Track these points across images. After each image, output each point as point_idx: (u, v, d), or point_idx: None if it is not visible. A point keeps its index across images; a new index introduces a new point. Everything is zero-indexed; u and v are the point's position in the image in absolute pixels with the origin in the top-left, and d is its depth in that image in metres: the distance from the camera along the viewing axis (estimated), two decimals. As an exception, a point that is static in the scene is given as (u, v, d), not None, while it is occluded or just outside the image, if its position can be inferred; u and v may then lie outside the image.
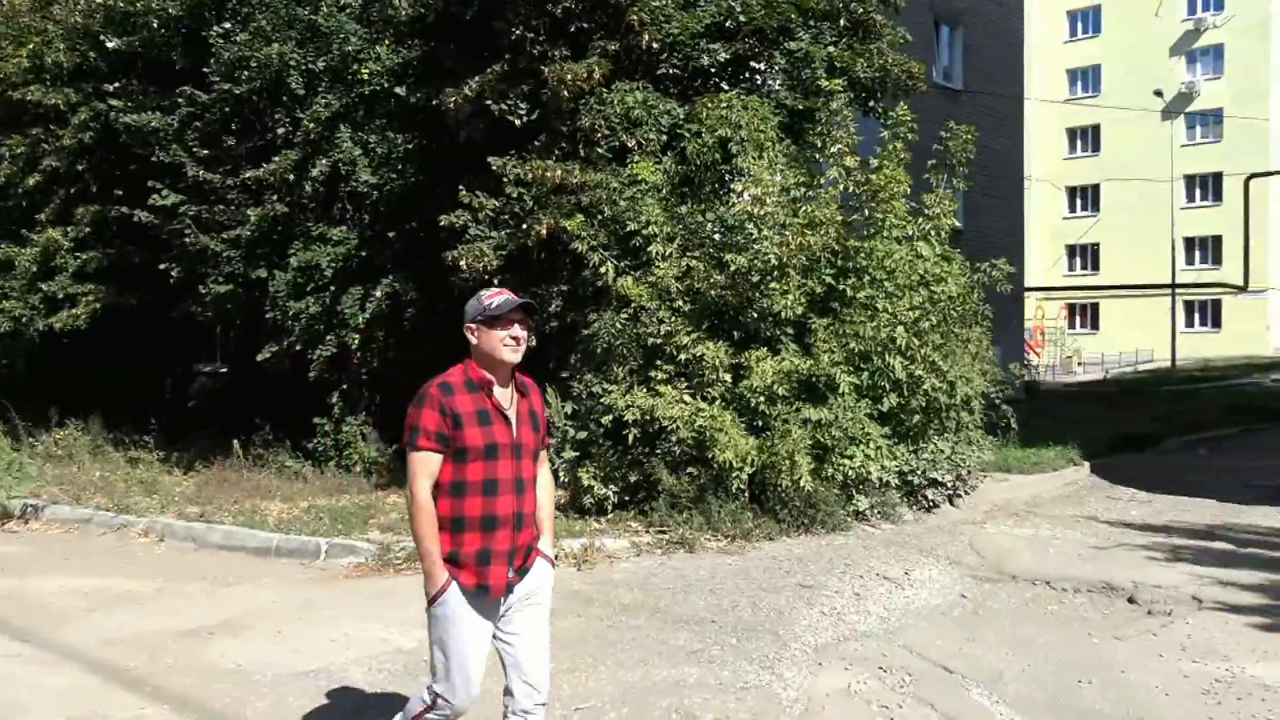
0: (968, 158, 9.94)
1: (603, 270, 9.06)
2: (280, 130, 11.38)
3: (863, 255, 8.92)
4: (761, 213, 8.60)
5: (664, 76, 9.83)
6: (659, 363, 8.92)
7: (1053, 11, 52.60)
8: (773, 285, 8.62)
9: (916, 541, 8.67)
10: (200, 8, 11.56)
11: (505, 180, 9.63)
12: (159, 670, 5.49)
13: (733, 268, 8.70)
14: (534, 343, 9.91)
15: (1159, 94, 41.62)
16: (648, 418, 8.68)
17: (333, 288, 11.53)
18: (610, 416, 8.88)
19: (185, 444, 13.15)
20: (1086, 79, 52.19)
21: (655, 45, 9.39)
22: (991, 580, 7.53)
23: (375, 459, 12.21)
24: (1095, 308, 53.20)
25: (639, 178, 9.00)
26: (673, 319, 8.87)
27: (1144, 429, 16.88)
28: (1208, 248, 49.74)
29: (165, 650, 5.85)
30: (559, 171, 9.04)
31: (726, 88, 10.16)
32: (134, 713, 4.89)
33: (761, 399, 8.61)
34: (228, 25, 11.38)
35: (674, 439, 8.65)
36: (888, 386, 8.89)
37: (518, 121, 9.75)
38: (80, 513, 10.01)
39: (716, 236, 9.04)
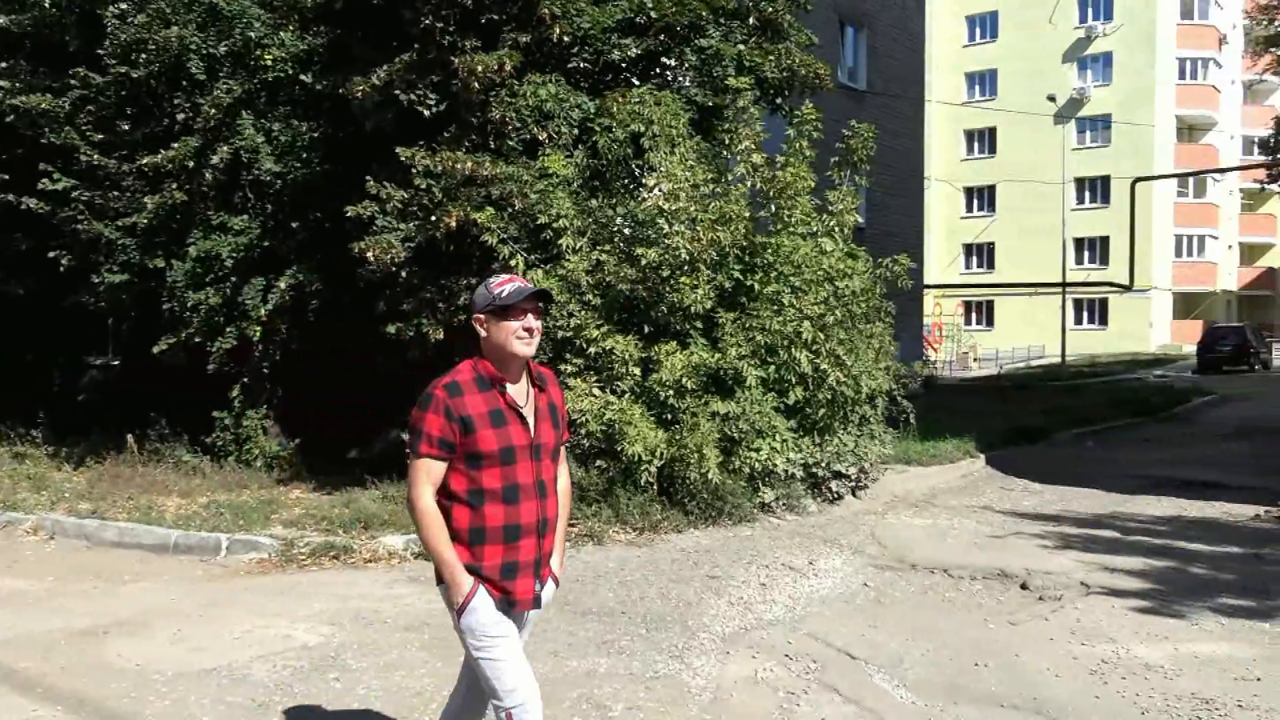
0: (870, 156, 10.16)
1: (513, 263, 9.04)
2: (180, 116, 11.06)
3: (770, 251, 9.07)
4: (673, 208, 8.68)
5: (575, 70, 9.83)
6: (568, 356, 8.94)
7: (953, 16, 53.97)
8: (683, 280, 8.71)
9: (821, 532, 8.86)
10: (95, -13, 11.17)
11: (414, 171, 9.51)
12: (52, 671, 5.32)
13: (643, 262, 8.77)
14: (441, 335, 9.89)
15: (1051, 99, 43.08)
16: (557, 411, 8.68)
17: (234, 278, 11.24)
18: (519, 410, 8.85)
19: (76, 439, 12.66)
20: (984, 83, 53.68)
21: (566, 39, 9.37)
22: (893, 569, 7.73)
23: (278, 453, 11.97)
24: (990, 305, 54.82)
25: (550, 171, 8.99)
26: (582, 312, 8.90)
27: (1036, 422, 17.46)
28: (1096, 248, 51.66)
29: (58, 651, 5.66)
30: (469, 163, 8.97)
31: (637, 83, 10.19)
32: (26, 715, 4.73)
33: (670, 392, 8.69)
34: (124, 6, 10.99)
35: (583, 432, 8.67)
36: (794, 380, 9.06)
37: (427, 112, 9.64)
38: (-38, 510, 9.61)
39: (627, 231, 9.09)
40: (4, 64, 11.87)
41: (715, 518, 8.86)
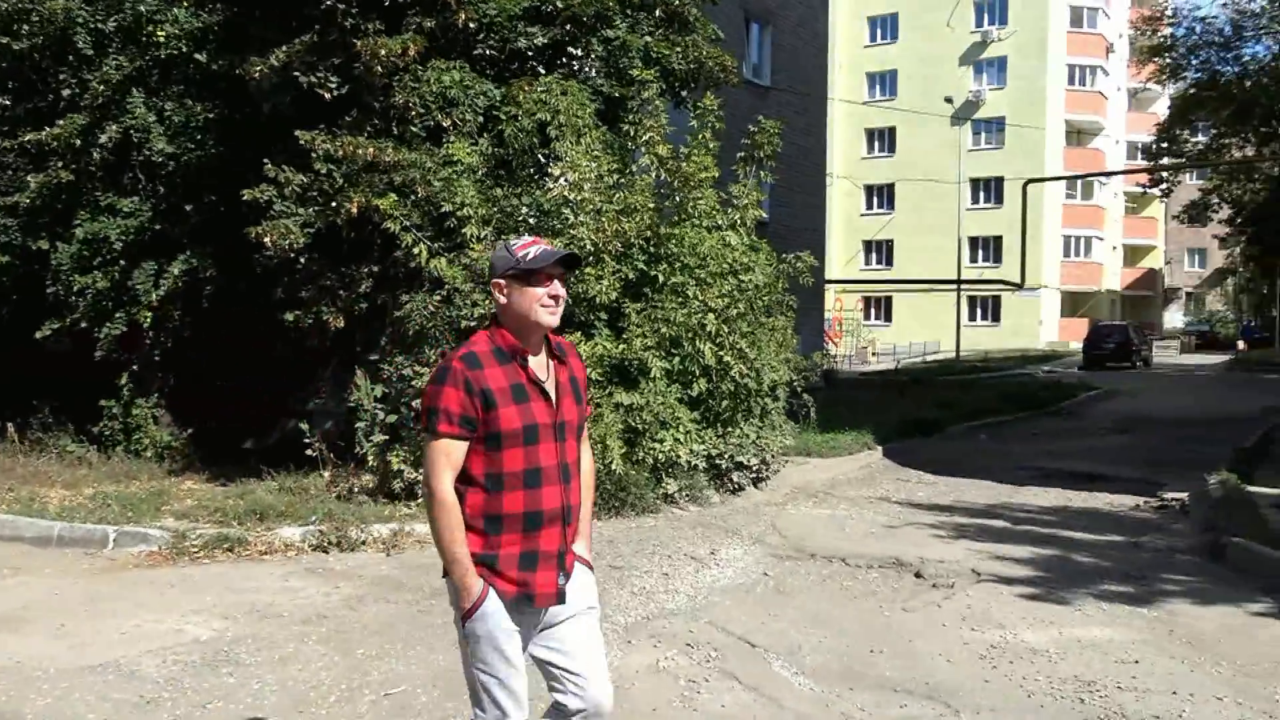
0: (775, 151, 10.28)
1: (415, 251, 8.90)
2: (66, 92, 10.65)
3: (674, 242, 9.12)
4: (578, 198, 8.66)
5: (481, 57, 9.72)
6: (472, 346, 8.84)
7: (854, 16, 54.96)
8: (588, 270, 8.70)
9: (722, 523, 8.96)
10: (-27, -46, 10.66)
11: (314, 156, 9.29)
12: (-76, 670, 5.08)
13: (548, 252, 8.71)
14: (342, 323, 9.71)
15: (949, 101, 44.19)
16: (461, 401, 8.60)
17: (123, 262, 10.86)
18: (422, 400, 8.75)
19: (-50, 428, 12.12)
20: (884, 83, 54.84)
21: (472, 25, 9.26)
22: (792, 558, 7.86)
23: (169, 443, 11.63)
24: (889, 301, 56.10)
25: (454, 158, 8.88)
26: (486, 302, 8.81)
27: (931, 415, 17.90)
28: (989, 247, 53.24)
29: (-69, 648, 5.41)
30: (371, 149, 8.81)
31: (544, 72, 10.14)
32: (-105, 716, 4.51)
33: (575, 383, 8.66)
34: (3, -28, 10.54)
35: (487, 423, 8.59)
36: (697, 372, 9.13)
37: (328, 95, 9.43)
38: None
39: (532, 220, 9.03)
40: None
41: (619, 509, 8.89)
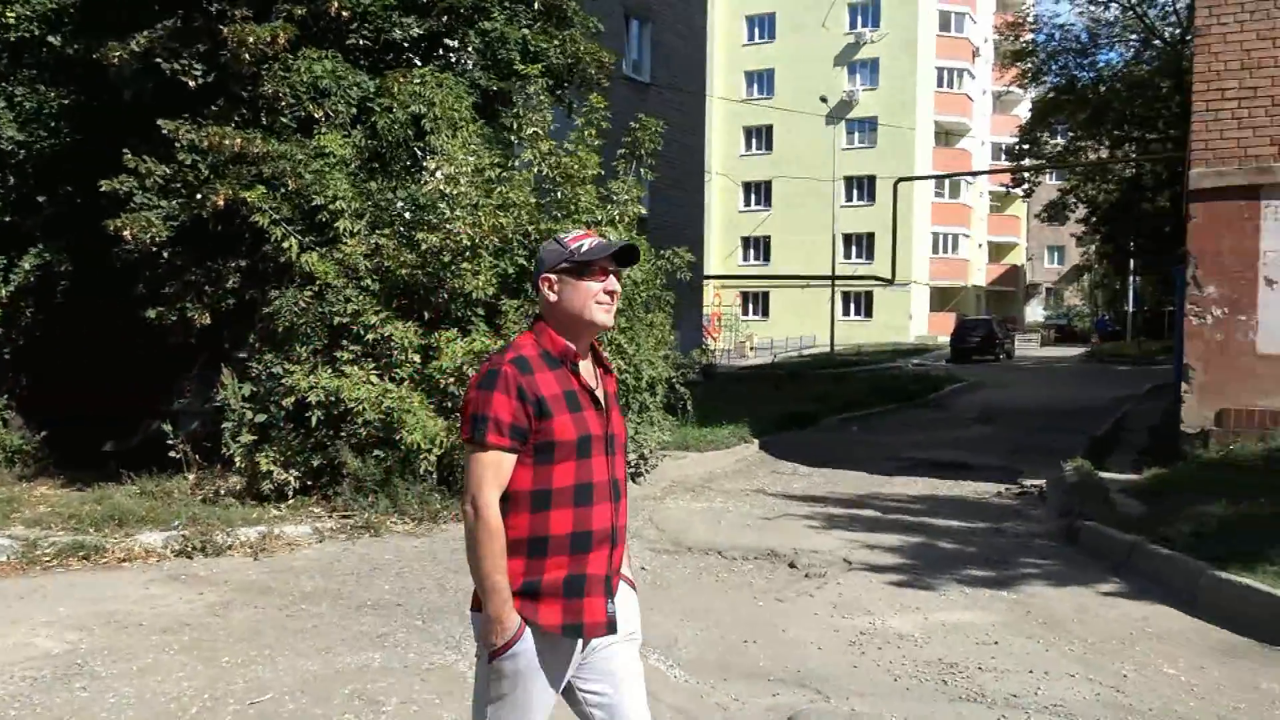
0: (656, 149, 10.34)
1: (285, 246, 8.66)
2: (-95, 75, 10.02)
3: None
4: (454, 192, 8.54)
5: (355, 47, 9.51)
6: (345, 342, 8.67)
7: (733, 15, 55.68)
8: (464, 265, 8.59)
9: (601, 518, 8.96)
10: None
11: (178, 146, 8.98)
12: None
13: (424, 247, 8.59)
14: (208, 320, 9.39)
15: (824, 100, 45.12)
16: (333, 399, 8.42)
17: (-33, 256, 10.33)
18: (292, 398, 8.53)
19: None
20: (762, 81, 55.70)
21: (345, 14, 9.06)
22: (669, 552, 7.93)
23: (20, 447, 11.14)
24: (766, 296, 57.06)
25: (326, 150, 8.67)
26: (360, 298, 8.65)
27: (806, 409, 18.27)
28: (862, 243, 54.63)
29: None
30: (239, 140, 8.54)
31: (420, 64, 9.99)
32: None
33: (451, 380, 8.57)
34: None
35: (360, 421, 8.43)
36: (575, 368, 9.10)
37: (192, 83, 9.11)
38: None
39: (408, 215, 8.88)
40: None
41: (495, 506, 8.81)
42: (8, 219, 10.45)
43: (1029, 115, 36.15)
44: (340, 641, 5.49)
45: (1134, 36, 31.10)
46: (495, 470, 2.51)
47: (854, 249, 54.67)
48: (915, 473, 12.11)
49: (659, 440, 10.52)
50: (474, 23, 9.93)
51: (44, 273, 10.44)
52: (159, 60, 9.00)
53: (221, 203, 8.63)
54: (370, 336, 8.61)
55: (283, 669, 5.08)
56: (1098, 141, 33.89)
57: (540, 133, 9.38)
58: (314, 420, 8.48)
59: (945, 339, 45.92)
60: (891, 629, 5.86)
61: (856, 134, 53.94)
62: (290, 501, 8.76)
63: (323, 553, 7.66)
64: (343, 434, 8.59)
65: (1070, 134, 34.53)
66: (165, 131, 8.93)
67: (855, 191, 54.24)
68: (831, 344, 42.81)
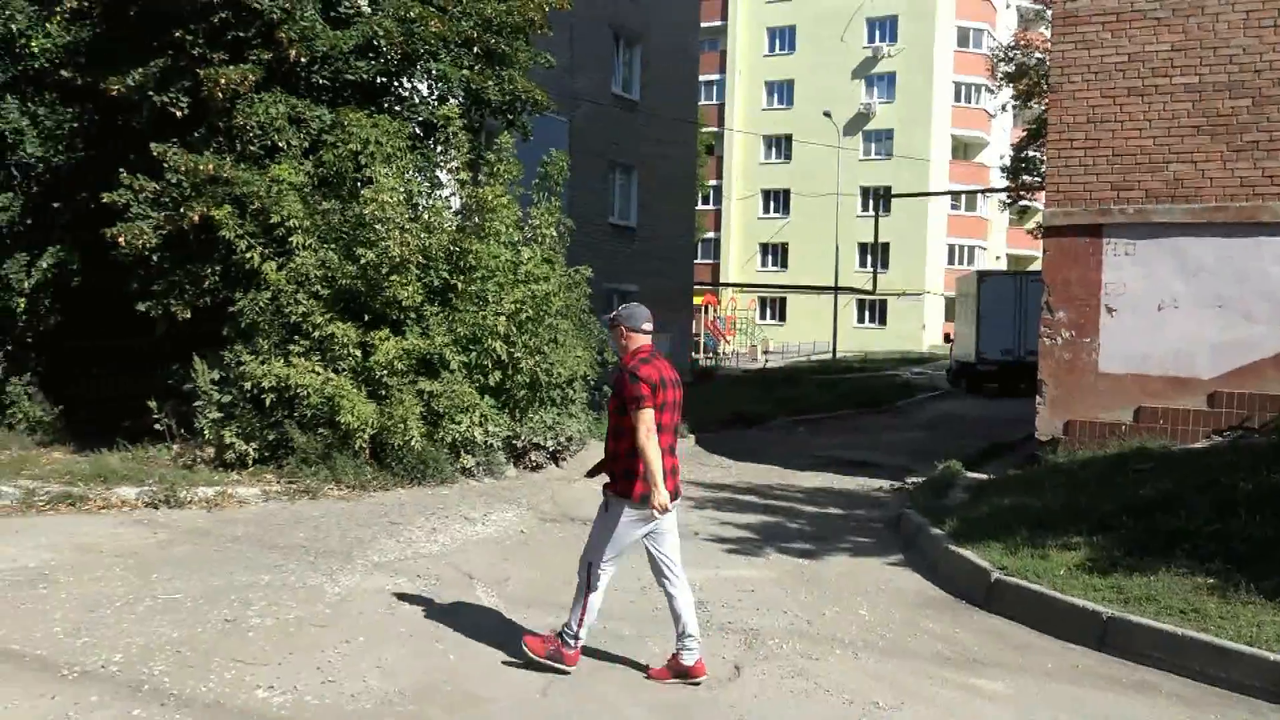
0: (564, 180, 11.92)
1: (249, 256, 10.37)
2: (-58, 97, 11.79)
3: (473, 256, 10.71)
4: (386, 215, 10.19)
5: (315, 85, 11.18)
6: (297, 339, 10.35)
7: (756, 26, 57.06)
8: (394, 278, 10.25)
9: (509, 493, 10.57)
10: None
11: (166, 166, 10.67)
12: None
13: (363, 261, 10.26)
14: (188, 315, 11.08)
15: (827, 115, 46.36)
16: (284, 385, 10.09)
17: (-4, 252, 12.07)
18: (252, 383, 10.21)
19: None
20: (782, 91, 57.02)
21: (304, 59, 10.73)
22: (553, 520, 9.49)
23: (41, 418, 12.82)
24: (784, 301, 58.34)
25: (280, 177, 10.36)
26: (309, 302, 10.32)
27: (760, 409, 19.73)
28: (878, 253, 55.76)
29: None
30: (211, 165, 10.24)
31: (378, 97, 11.64)
32: None
33: (384, 372, 10.22)
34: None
35: (306, 404, 10.10)
36: (491, 365, 10.74)
37: (179, 113, 10.80)
38: None
39: (347, 231, 10.54)
40: None
41: (420, 479, 10.45)
42: (30, 222, 12.20)
43: (1023, 134, 37.16)
44: (244, 568, 7.14)
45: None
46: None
47: (869, 258, 55.77)
48: (825, 468, 13.49)
49: (578, 430, 12.08)
50: (422, 63, 11.53)
51: (60, 269, 12.15)
52: (151, 93, 10.70)
53: (197, 218, 10.33)
54: (317, 334, 10.28)
55: (194, 583, 6.73)
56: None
57: (459, 165, 11.02)
58: (268, 402, 10.16)
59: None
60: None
61: (873, 146, 55.08)
62: (250, 469, 10.42)
63: (264, 509, 9.33)
64: (292, 415, 10.25)
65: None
66: (155, 154, 10.62)
67: (871, 202, 55.33)
68: (834, 350, 44.11)
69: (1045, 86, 33.58)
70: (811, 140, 53.52)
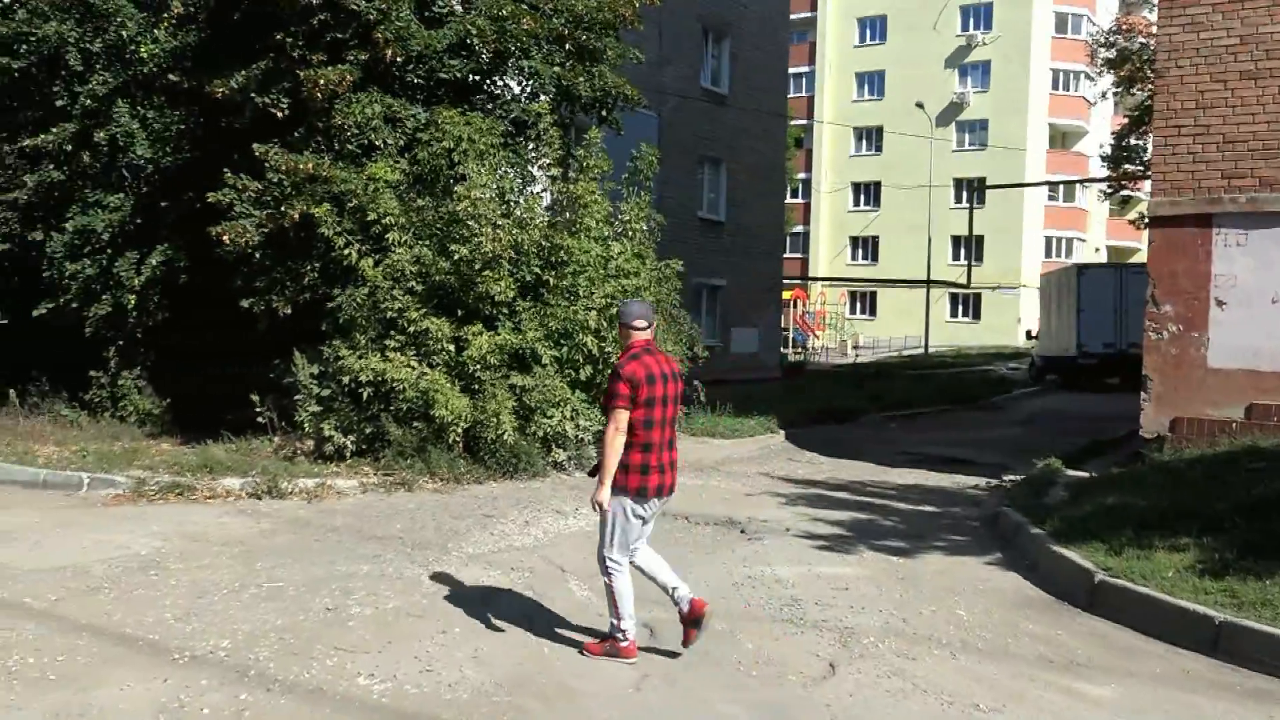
0: (654, 173, 11.91)
1: (347, 253, 10.59)
2: (59, 103, 12.27)
3: (564, 251, 10.78)
4: (478, 212, 10.31)
5: (410, 84, 11.38)
6: (393, 334, 10.54)
7: (845, 17, 56.36)
8: (487, 273, 10.37)
9: (599, 487, 10.60)
10: (-21, -15, 12.35)
11: (267, 166, 10.96)
12: (-72, 567, 6.79)
13: (456, 256, 10.40)
14: (289, 310, 11.36)
15: (920, 105, 45.54)
16: (380, 379, 10.29)
17: (109, 251, 12.52)
18: (349, 377, 10.43)
19: (-40, 393, 13.81)
20: (872, 82, 56.24)
21: (400, 59, 10.92)
22: (644, 515, 9.49)
23: (150, 410, 13.27)
24: (874, 295, 57.59)
25: (376, 175, 10.56)
26: (404, 297, 10.51)
27: (851, 404, 19.51)
28: (972, 246, 54.66)
29: (-66, 554, 7.12)
30: (310, 164, 10.49)
31: (471, 94, 11.80)
32: (-93, 593, 6.22)
33: (477, 366, 10.36)
34: (6, 1, 12.16)
35: (401, 398, 10.29)
36: (582, 359, 10.80)
37: (279, 114, 11.08)
38: None
39: (440, 228, 10.69)
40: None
41: (512, 473, 10.57)
42: (139, 222, 12.64)
43: (1125, 122, 36.00)
44: (343, 558, 7.30)
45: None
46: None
47: (962, 251, 54.70)
48: (917, 465, 13.29)
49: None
50: (514, 61, 11.65)
51: (167, 267, 12.57)
52: (253, 94, 11.00)
53: (297, 216, 10.60)
54: (412, 329, 10.46)
55: (296, 571, 6.91)
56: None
57: (551, 161, 11.10)
58: (365, 396, 10.37)
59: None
60: (774, 575, 7.33)
61: (967, 136, 53.98)
62: (348, 462, 10.66)
63: (361, 501, 9.54)
64: (389, 408, 10.45)
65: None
66: (258, 154, 10.92)
67: (964, 194, 54.25)
68: (926, 345, 43.41)
69: (1149, 72, 32.48)
70: (903, 131, 52.69)
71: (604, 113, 12.83)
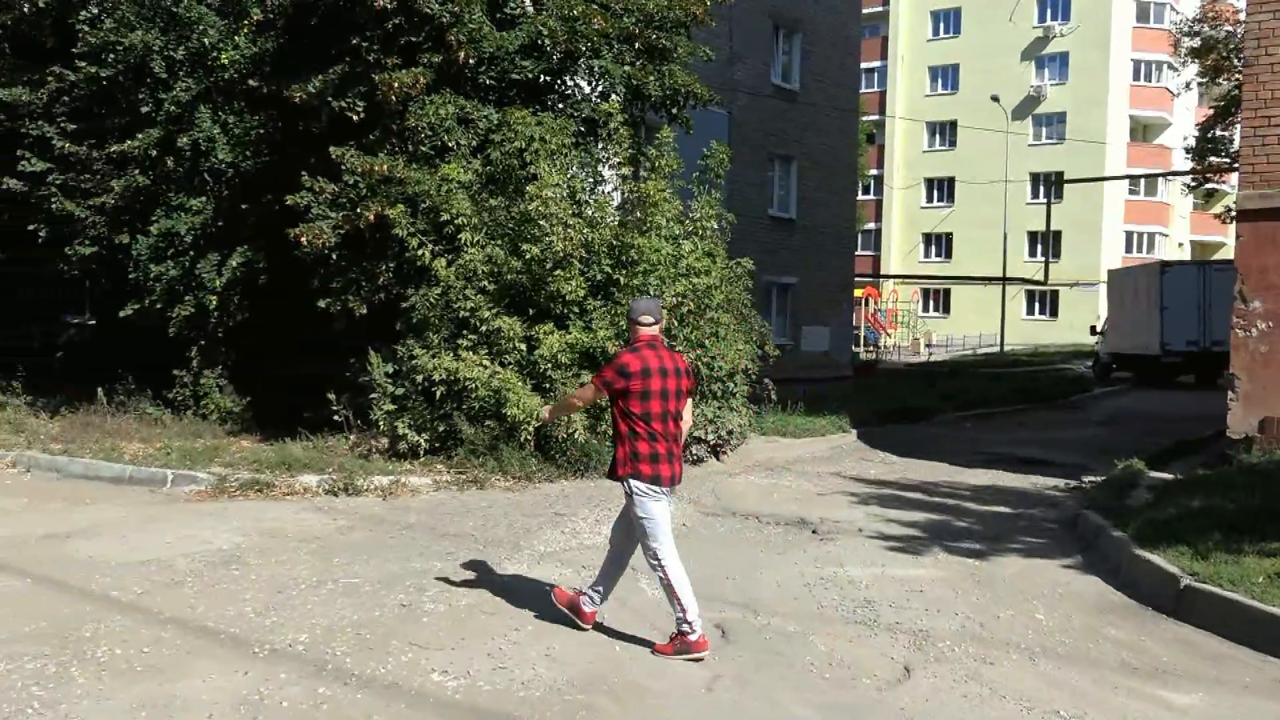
0: (724, 170, 11.85)
1: (420, 253, 10.73)
2: (144, 109, 12.60)
3: (634, 250, 10.79)
4: (549, 211, 10.37)
5: (483, 85, 11.48)
6: (465, 333, 10.65)
7: (917, 10, 55.56)
8: (558, 272, 10.42)
9: (670, 485, 10.58)
10: (67, -4, 12.76)
11: (343, 168, 11.15)
12: (25, 559, 7.03)
13: (528, 256, 10.47)
14: (364, 310, 11.54)
15: (995, 99, 44.66)
16: (453, 378, 10.40)
17: (191, 253, 12.83)
18: (423, 376, 10.56)
19: (52, 390, 14.29)
20: (946, 77, 55.38)
21: (472, 60, 11.02)
22: (715, 515, 9.48)
23: (231, 409, 13.58)
24: (948, 293, 56.70)
25: (449, 176, 10.67)
26: (476, 297, 10.61)
27: (924, 403, 19.23)
28: (1049, 242, 53.51)
29: (29, 547, 7.38)
30: (385, 165, 10.64)
31: (542, 95, 11.87)
32: (4, 584, 6.44)
33: (549, 365, 10.42)
34: (94, 11, 12.54)
35: (474, 396, 10.39)
36: (652, 359, 10.77)
37: (355, 117, 11.25)
38: (-50, 446, 11.29)
39: (511, 228, 10.76)
40: (-13, 60, 13.45)
41: (583, 471, 10.61)
42: (220, 224, 12.94)
43: (1210, 113, 34.93)
44: (418, 555, 7.40)
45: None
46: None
47: (1039, 247, 53.58)
48: (991, 466, 13.04)
49: (738, 424, 12.03)
50: (585, 61, 11.69)
51: (247, 269, 12.84)
52: (329, 99, 11.19)
53: (372, 217, 10.75)
54: (484, 328, 10.55)
55: (372, 567, 7.01)
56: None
57: (621, 160, 11.11)
58: (438, 394, 10.49)
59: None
60: (847, 577, 7.25)
61: (1044, 130, 52.88)
62: (422, 459, 10.79)
63: (434, 498, 9.66)
64: (461, 407, 10.56)
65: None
66: (334, 157, 11.11)
67: (1041, 189, 53.14)
68: (1001, 343, 42.61)
69: (1236, 61, 31.53)
70: (978, 126, 51.77)
71: (674, 111, 12.81)
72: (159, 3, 12.54)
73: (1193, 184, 38.75)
